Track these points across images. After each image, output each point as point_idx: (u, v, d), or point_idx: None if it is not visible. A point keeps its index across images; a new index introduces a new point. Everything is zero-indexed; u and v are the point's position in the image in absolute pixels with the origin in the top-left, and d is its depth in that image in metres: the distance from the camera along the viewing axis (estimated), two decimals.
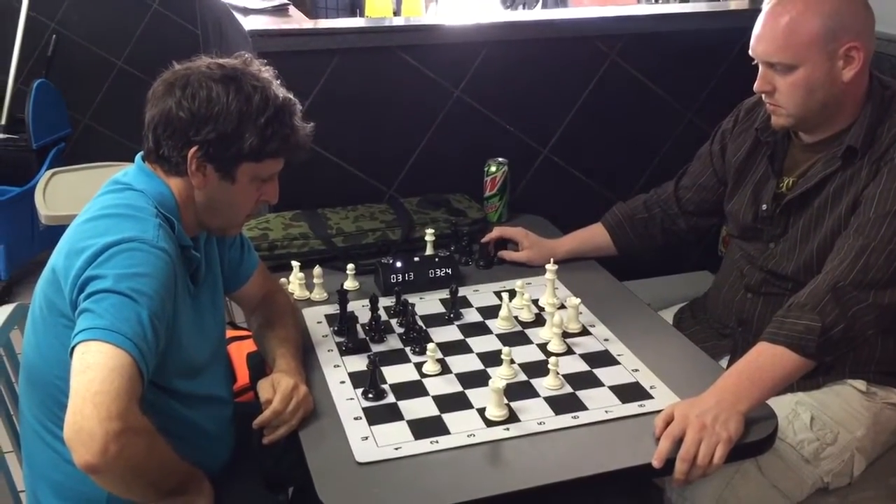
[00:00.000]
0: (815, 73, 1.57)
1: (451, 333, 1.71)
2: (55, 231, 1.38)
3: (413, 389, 1.53)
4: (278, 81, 1.43)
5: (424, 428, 1.42)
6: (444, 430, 1.41)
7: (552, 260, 1.83)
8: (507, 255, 2.01)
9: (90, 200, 1.41)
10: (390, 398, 1.50)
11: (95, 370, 1.17)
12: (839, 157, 1.63)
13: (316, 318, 1.77)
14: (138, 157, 1.44)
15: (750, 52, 1.64)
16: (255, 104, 1.36)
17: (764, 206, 1.76)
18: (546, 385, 1.53)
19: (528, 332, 1.72)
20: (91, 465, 1.14)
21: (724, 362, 1.77)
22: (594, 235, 2.04)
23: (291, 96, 1.43)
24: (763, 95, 1.67)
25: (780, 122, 1.68)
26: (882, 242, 1.53)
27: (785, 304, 1.56)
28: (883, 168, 1.59)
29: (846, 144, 1.62)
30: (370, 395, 1.50)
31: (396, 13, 2.90)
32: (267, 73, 1.42)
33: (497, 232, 2.04)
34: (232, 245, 1.62)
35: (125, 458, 1.15)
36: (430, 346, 1.58)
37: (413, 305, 1.74)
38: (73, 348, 1.21)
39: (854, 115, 1.64)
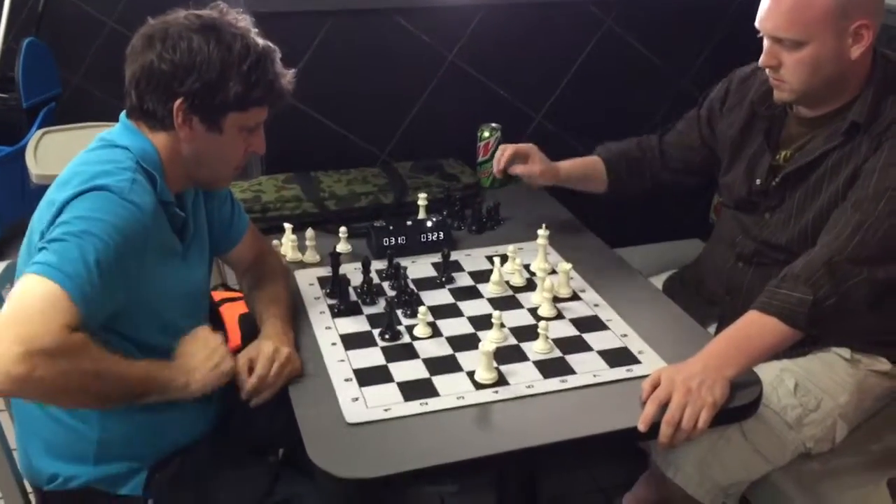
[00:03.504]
0: (823, 51, 1.55)
1: (442, 297, 1.72)
2: (45, 191, 1.38)
3: (404, 352, 1.54)
4: (255, 31, 1.42)
5: (414, 390, 1.43)
6: (433, 393, 1.42)
7: (544, 226, 1.83)
8: (518, 168, 1.96)
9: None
10: (381, 359, 1.51)
11: (20, 298, 1.18)
12: (842, 134, 1.62)
13: (308, 281, 1.78)
14: (122, 114, 1.43)
15: (757, 24, 1.61)
16: (236, 52, 1.35)
17: (758, 181, 1.76)
18: (535, 349, 1.54)
19: (519, 296, 1.73)
20: None
21: (711, 329, 1.79)
22: (590, 164, 2.03)
23: (270, 44, 1.42)
24: (767, 70, 1.65)
25: (782, 97, 1.66)
26: (879, 218, 1.53)
27: (778, 274, 1.56)
28: (884, 143, 1.57)
29: (850, 120, 1.60)
30: (387, 336, 1.56)
31: None
32: (244, 21, 1.41)
33: (511, 149, 1.96)
34: (223, 203, 1.61)
35: (36, 380, 1.14)
36: (422, 309, 1.59)
37: (405, 269, 1.74)
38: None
39: (857, 90, 1.62)
